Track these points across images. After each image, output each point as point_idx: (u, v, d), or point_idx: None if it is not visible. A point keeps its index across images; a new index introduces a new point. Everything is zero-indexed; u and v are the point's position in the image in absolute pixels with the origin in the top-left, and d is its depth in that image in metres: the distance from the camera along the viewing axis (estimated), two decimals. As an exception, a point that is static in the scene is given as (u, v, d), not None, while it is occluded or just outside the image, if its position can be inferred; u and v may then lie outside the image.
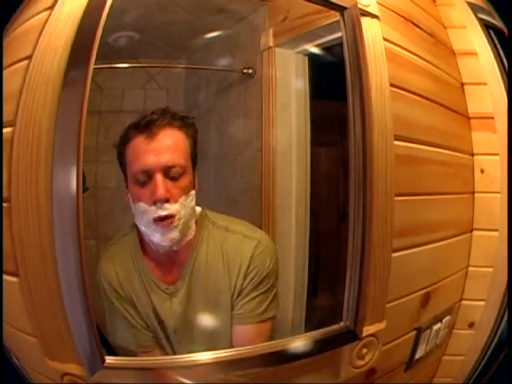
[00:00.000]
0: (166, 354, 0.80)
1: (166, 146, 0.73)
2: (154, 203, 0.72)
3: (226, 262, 0.79)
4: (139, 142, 0.73)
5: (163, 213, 0.72)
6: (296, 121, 1.05)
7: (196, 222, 0.79)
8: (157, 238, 0.74)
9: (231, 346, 0.78)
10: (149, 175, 0.72)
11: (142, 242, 0.80)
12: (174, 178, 0.73)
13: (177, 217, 0.73)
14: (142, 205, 0.73)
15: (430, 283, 0.78)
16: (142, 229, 0.75)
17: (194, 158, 0.77)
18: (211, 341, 0.80)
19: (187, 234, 0.77)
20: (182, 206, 0.74)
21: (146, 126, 0.73)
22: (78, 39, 0.56)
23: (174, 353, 0.81)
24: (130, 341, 0.80)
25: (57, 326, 0.58)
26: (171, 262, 0.79)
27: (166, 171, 0.72)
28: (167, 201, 0.72)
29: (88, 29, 0.56)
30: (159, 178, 0.71)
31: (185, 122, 0.77)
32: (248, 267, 0.78)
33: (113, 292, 0.80)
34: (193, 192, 0.76)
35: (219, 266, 0.79)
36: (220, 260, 0.79)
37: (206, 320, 0.80)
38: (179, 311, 0.79)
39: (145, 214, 0.73)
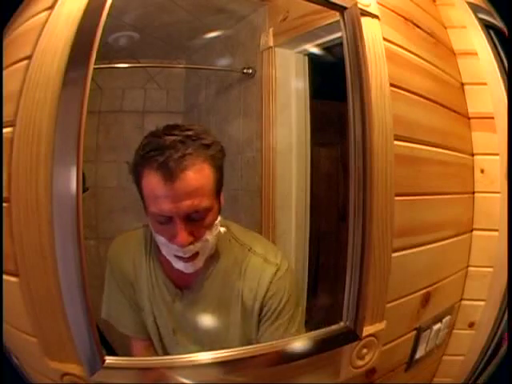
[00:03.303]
0: (156, 353, 0.80)
1: (188, 192, 0.64)
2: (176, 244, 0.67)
3: (243, 282, 0.76)
4: (155, 181, 0.64)
5: (186, 255, 0.68)
6: (296, 121, 1.05)
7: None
8: (179, 266, 0.71)
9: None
10: (168, 218, 0.65)
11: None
12: (197, 220, 0.67)
13: (200, 253, 0.70)
14: (163, 239, 0.68)
15: (430, 283, 0.78)
16: (164, 253, 0.71)
17: (219, 186, 0.69)
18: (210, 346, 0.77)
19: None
20: (206, 242, 0.69)
21: (164, 164, 0.62)
22: (78, 39, 0.56)
23: (165, 352, 0.80)
24: (125, 323, 0.80)
25: (57, 325, 0.58)
26: None
27: (188, 216, 0.65)
28: (190, 243, 0.67)
29: (88, 29, 0.56)
30: (180, 225, 0.65)
31: (210, 153, 0.67)
32: (266, 293, 0.75)
33: (120, 275, 0.78)
34: (218, 220, 0.70)
35: (235, 283, 0.76)
36: (238, 278, 0.76)
37: (208, 326, 0.79)
38: (181, 314, 0.78)
39: (165, 247, 0.69)
